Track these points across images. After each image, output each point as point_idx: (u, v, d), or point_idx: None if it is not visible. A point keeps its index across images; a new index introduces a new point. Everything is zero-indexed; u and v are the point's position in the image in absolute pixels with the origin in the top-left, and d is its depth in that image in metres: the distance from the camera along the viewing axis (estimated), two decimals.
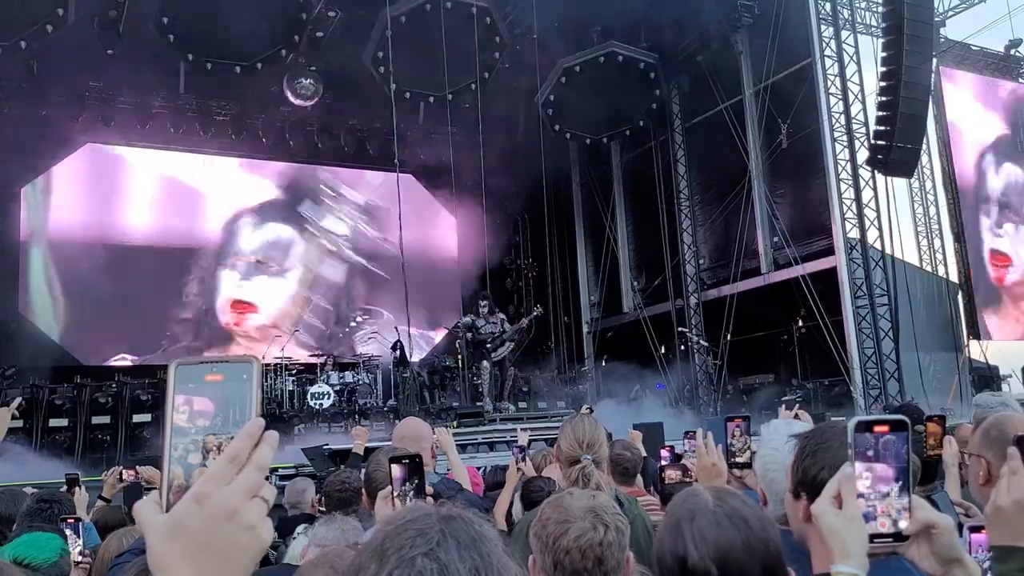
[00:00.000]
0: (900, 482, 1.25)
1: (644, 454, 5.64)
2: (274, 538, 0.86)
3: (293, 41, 14.63)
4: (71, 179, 17.45)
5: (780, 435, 2.04)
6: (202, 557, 0.79)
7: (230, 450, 0.82)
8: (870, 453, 1.25)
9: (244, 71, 14.73)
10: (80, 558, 3.08)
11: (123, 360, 17.13)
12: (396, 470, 2.16)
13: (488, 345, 13.56)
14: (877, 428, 1.26)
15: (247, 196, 19.43)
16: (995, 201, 19.02)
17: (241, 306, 18.85)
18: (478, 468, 6.66)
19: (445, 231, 21.09)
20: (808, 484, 1.56)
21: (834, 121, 15.43)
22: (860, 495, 1.25)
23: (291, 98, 18.00)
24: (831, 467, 1.42)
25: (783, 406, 5.93)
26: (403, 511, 0.94)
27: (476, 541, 0.89)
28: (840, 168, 15.33)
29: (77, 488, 4.22)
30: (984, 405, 3.19)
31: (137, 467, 5.62)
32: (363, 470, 3.20)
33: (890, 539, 1.26)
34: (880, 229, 15.34)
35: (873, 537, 1.25)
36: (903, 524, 1.25)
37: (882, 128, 14.16)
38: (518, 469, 4.39)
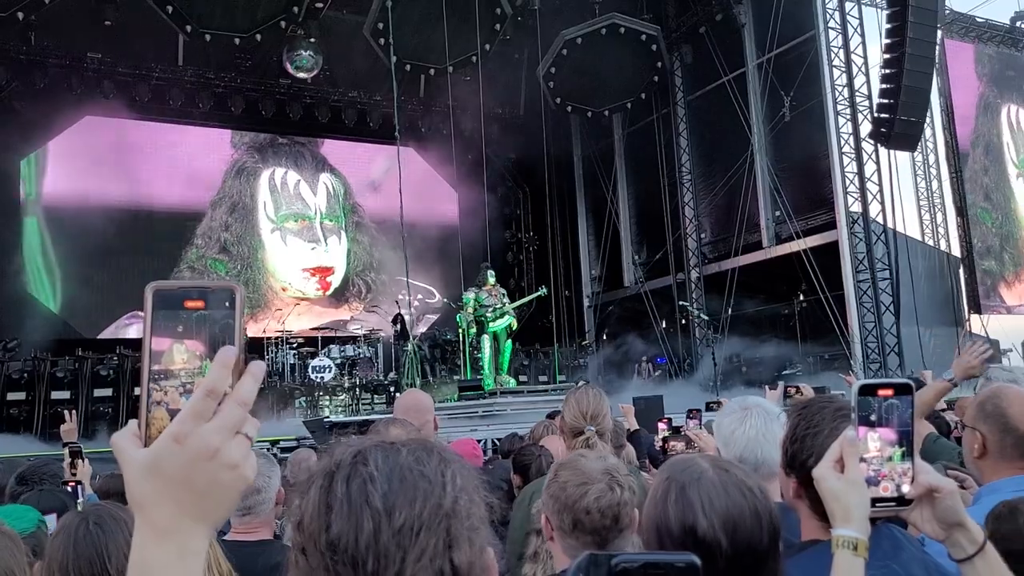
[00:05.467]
0: (903, 446, 1.25)
1: (635, 427, 5.73)
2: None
3: (292, 12, 14.50)
4: (70, 151, 17.36)
5: (731, 408, 2.24)
6: (182, 495, 0.77)
7: (206, 383, 0.78)
8: (873, 417, 1.25)
9: (243, 43, 14.60)
10: None
11: (129, 328, 17.15)
12: None
13: (488, 315, 13.57)
14: (881, 392, 1.25)
15: (243, 168, 19.37)
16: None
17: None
18: (478, 441, 6.69)
19: (446, 204, 21.03)
20: (796, 469, 1.58)
21: (837, 94, 15.33)
22: (862, 459, 1.25)
23: (290, 70, 17.89)
24: (818, 455, 1.40)
25: (767, 386, 5.95)
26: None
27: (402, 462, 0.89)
28: (843, 141, 15.25)
29: (80, 461, 4.22)
30: (994, 378, 3.18)
31: None
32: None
33: (893, 503, 1.26)
34: (882, 203, 15.29)
35: (876, 501, 1.25)
36: (906, 488, 1.25)
37: (886, 101, 14.06)
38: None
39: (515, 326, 13.83)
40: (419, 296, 15.46)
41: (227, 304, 0.83)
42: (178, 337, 0.82)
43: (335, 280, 19.74)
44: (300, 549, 0.87)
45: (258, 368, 0.81)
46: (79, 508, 3.16)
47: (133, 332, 17.09)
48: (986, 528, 1.51)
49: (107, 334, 16.96)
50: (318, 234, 19.76)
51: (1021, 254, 18.45)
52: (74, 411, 5.64)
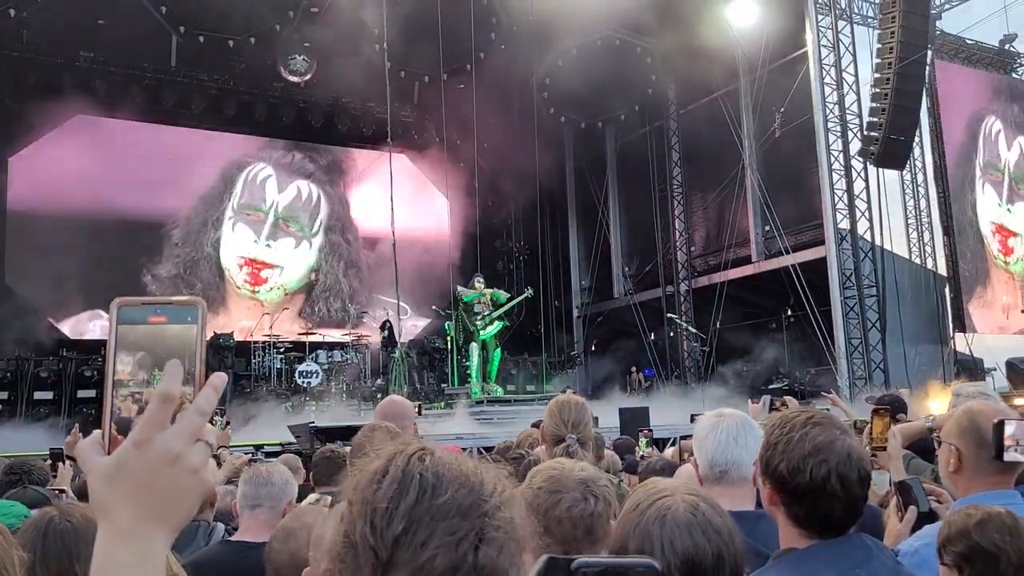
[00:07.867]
0: None
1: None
2: None
3: (287, 16, 14.50)
4: (60, 150, 17.24)
5: (707, 415, 2.34)
6: (143, 499, 0.80)
7: (160, 391, 0.81)
8: None
9: (237, 45, 14.58)
10: None
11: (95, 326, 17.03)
12: None
13: (478, 323, 13.58)
14: None
15: (234, 171, 19.31)
16: (1008, 175, 19.19)
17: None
18: (464, 449, 6.69)
19: (437, 212, 21.01)
20: (770, 475, 1.64)
21: (828, 111, 15.44)
22: None
23: (284, 74, 17.85)
24: (788, 461, 1.56)
25: (750, 400, 5.98)
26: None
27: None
28: (833, 158, 15.36)
29: (61, 463, 4.21)
30: (963, 395, 3.22)
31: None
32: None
33: None
34: (871, 220, 15.39)
35: None
36: None
37: (875, 119, 14.18)
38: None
39: (506, 322, 13.85)
40: (389, 312, 15.39)
41: (189, 319, 0.86)
42: (141, 351, 0.85)
43: (271, 280, 19.33)
44: (349, 503, 0.92)
45: (219, 380, 0.85)
46: None
47: (99, 331, 16.90)
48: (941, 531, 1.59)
49: (93, 335, 16.83)
50: (266, 229, 19.42)
51: (980, 270, 18.51)
52: (78, 428, 5.68)
